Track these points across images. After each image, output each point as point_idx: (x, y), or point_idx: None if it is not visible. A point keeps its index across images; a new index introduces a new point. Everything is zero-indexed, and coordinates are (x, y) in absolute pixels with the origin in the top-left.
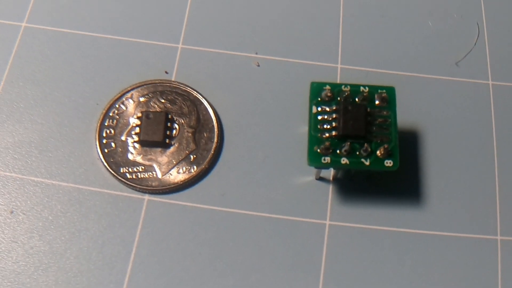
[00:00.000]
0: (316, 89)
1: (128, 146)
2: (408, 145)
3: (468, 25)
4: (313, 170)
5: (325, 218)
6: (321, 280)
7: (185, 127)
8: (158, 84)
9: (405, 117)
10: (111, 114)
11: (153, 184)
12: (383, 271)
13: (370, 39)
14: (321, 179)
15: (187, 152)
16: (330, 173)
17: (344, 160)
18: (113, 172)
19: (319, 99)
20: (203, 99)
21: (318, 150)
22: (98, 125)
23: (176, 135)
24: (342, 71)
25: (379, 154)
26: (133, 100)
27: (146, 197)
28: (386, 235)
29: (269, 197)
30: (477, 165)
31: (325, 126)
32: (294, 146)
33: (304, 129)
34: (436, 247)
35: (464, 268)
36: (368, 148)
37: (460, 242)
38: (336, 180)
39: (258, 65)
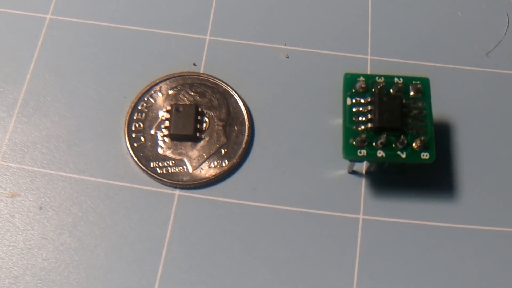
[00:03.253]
0: (350, 80)
1: (158, 140)
2: (440, 137)
3: (497, 15)
4: (345, 163)
5: (359, 212)
6: (355, 274)
7: (215, 120)
8: (187, 77)
9: (436, 108)
10: (139, 108)
11: (184, 178)
12: (418, 265)
13: (399, 30)
14: (353, 172)
15: (217, 145)
16: (362, 166)
17: (380, 153)
18: (143, 167)
19: (353, 90)
20: (233, 91)
21: (354, 143)
22: (127, 118)
23: (206, 128)
24: (372, 62)
25: (415, 147)
26: (161, 93)
27: (177, 192)
28: (420, 229)
29: (301, 191)
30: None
31: (360, 118)
32: (325, 139)
33: (335, 121)
34: (471, 241)
35: (499, 261)
36: (404, 141)
37: (495, 235)
38: (369, 174)
39: (288, 57)
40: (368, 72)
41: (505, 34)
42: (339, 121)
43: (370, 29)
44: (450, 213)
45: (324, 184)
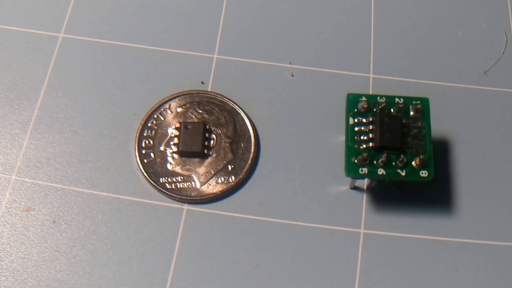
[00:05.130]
0: (352, 100)
1: (167, 156)
2: (439, 154)
3: (496, 34)
4: (347, 179)
5: (360, 226)
6: (356, 286)
7: (223, 137)
8: (195, 95)
9: (435, 125)
10: (149, 125)
11: (192, 194)
12: (417, 278)
13: (401, 49)
14: (355, 188)
15: (225, 162)
16: (364, 182)
17: (381, 171)
18: (152, 182)
19: (355, 110)
20: (240, 109)
21: (356, 161)
22: (137, 135)
23: (214, 145)
24: (374, 81)
25: (415, 165)
26: (170, 111)
27: (185, 206)
28: (420, 242)
29: (305, 206)
30: (509, 173)
31: (362, 138)
32: (328, 155)
33: (338, 138)
34: (469, 255)
35: (497, 275)
36: (404, 159)
37: (492, 249)
38: (370, 189)
39: (292, 75)
40: (370, 90)
41: (503, 53)
42: (342, 138)
43: (372, 48)
44: (449, 227)
45: (327, 199)
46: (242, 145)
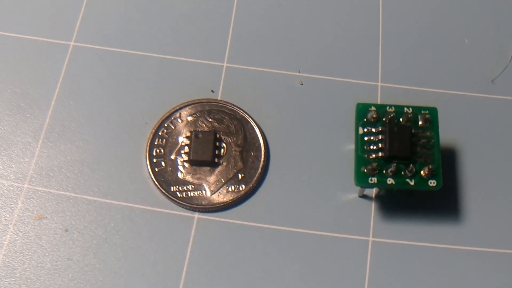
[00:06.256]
0: (362, 110)
1: (178, 165)
2: (447, 161)
3: (503, 42)
4: (356, 187)
5: (368, 234)
6: None
7: (233, 146)
8: (205, 103)
9: (443, 134)
10: (160, 133)
11: (203, 202)
12: (425, 286)
13: (409, 58)
14: (364, 196)
15: (235, 171)
16: (372, 190)
17: (390, 181)
18: (163, 191)
19: (365, 120)
20: (249, 118)
21: (365, 171)
22: (148, 144)
23: (224, 154)
24: (382, 89)
25: (423, 174)
26: (181, 119)
27: (196, 215)
28: (428, 250)
29: (314, 214)
30: None
31: (371, 147)
32: (338, 164)
33: (347, 146)
34: (479, 263)
35: (506, 283)
36: (413, 169)
37: (501, 257)
38: (378, 197)
39: (301, 84)
40: (379, 99)
41: (510, 61)
42: (351, 146)
43: (380, 57)
44: (457, 235)
45: (336, 207)
46: (252, 153)
